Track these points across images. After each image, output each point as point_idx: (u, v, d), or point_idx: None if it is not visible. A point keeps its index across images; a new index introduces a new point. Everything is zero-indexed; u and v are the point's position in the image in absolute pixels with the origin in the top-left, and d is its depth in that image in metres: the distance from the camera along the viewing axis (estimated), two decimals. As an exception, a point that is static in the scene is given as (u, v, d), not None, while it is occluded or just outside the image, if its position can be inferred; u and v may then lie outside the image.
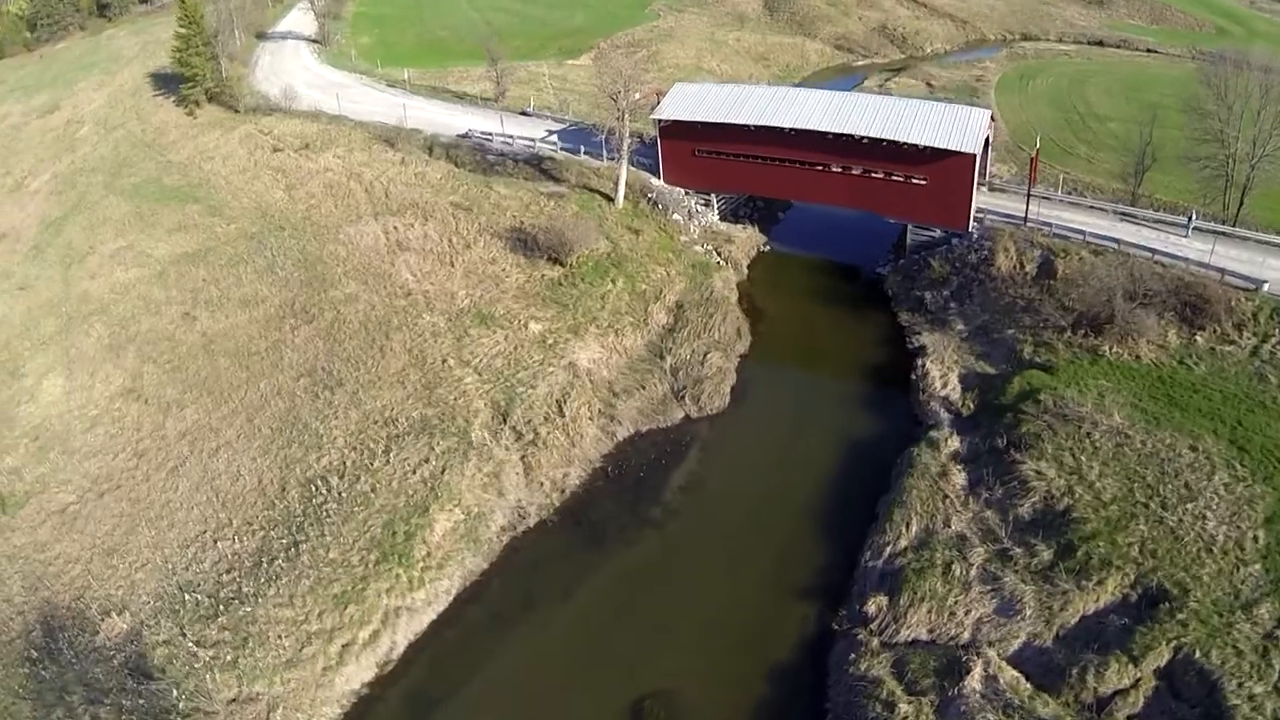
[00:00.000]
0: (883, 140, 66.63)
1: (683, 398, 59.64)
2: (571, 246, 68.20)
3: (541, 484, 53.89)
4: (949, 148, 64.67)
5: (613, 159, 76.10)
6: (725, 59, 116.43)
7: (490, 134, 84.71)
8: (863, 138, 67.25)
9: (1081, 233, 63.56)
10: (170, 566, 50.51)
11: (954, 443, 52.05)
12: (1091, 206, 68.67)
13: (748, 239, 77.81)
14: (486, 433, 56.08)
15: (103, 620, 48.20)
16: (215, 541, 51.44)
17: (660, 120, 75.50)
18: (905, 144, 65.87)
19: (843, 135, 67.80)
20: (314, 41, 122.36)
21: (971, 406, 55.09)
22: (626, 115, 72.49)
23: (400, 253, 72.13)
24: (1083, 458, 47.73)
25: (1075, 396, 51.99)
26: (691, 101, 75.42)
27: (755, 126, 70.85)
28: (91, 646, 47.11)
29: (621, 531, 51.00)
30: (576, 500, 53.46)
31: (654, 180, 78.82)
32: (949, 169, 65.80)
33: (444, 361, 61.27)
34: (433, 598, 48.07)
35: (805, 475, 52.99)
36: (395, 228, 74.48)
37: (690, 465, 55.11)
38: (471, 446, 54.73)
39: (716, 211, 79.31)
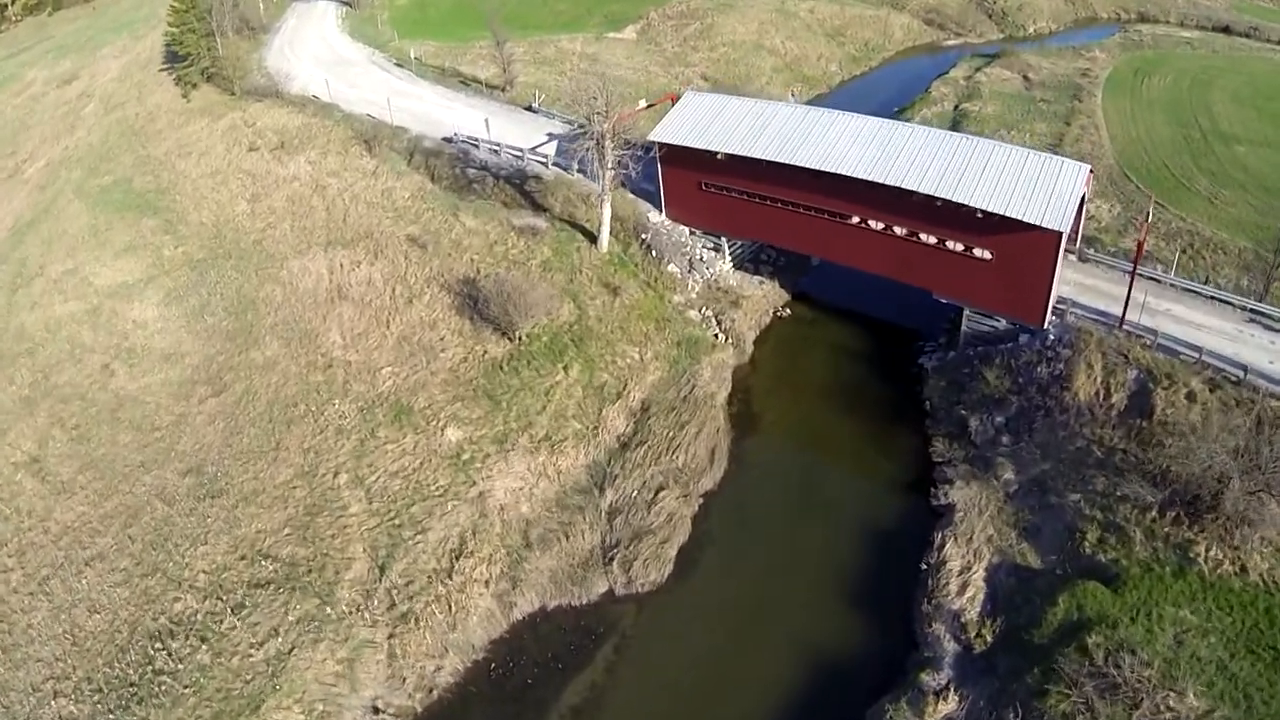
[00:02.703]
0: (937, 199, 49.03)
1: (612, 560, 45.08)
2: (519, 319, 54.52)
3: (405, 679, 41.86)
4: (1027, 220, 46.56)
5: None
6: (791, 35, 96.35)
7: (475, 139, 70.24)
8: (911, 192, 49.84)
9: (1196, 350, 44.98)
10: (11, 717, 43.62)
11: (948, 705, 36.34)
12: (1212, 297, 49.36)
13: (761, 299, 61.00)
14: (355, 595, 44.53)
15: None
16: (55, 695, 43.91)
17: (659, 143, 59.35)
18: (967, 207, 48.15)
19: (884, 185, 50.56)
20: (345, 3, 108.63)
21: (989, 638, 38.59)
22: (608, 144, 56.92)
23: (337, 303, 60.73)
24: (1122, 784, 31.73)
25: (1140, 641, 35.58)
26: (700, 119, 58.64)
27: (769, 163, 54.28)
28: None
29: (480, 770, 38.69)
30: (442, 706, 41.14)
31: (653, 215, 62.77)
32: (1024, 245, 47.71)
33: (336, 475, 49.95)
34: (235, 838, 38.06)
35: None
36: (341, 265, 63.01)
37: (594, 674, 41.17)
38: (329, 619, 43.39)
39: (729, 258, 62.47)
